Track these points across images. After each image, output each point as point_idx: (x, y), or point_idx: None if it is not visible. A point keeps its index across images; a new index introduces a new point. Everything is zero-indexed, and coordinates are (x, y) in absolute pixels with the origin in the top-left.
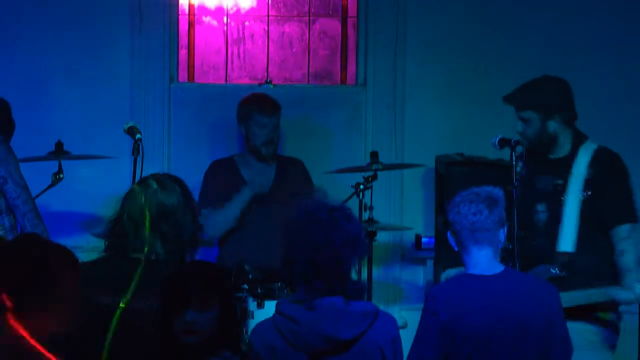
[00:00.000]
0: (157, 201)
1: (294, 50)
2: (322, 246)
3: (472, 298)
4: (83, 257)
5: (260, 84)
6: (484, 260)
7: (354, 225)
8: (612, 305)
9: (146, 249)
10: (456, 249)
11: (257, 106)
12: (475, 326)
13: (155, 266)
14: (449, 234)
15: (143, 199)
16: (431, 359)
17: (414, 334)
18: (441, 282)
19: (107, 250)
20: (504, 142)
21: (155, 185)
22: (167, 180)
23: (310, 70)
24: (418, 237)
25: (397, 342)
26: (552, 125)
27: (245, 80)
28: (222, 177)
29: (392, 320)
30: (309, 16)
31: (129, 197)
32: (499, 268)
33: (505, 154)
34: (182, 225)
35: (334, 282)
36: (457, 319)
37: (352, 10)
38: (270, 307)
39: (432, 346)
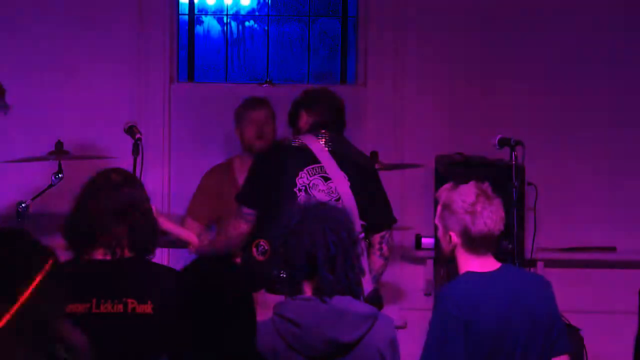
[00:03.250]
0: (121, 192)
1: (294, 50)
2: (324, 235)
3: (485, 294)
4: None
5: (260, 84)
6: (485, 261)
7: (344, 216)
8: None
9: (114, 246)
10: (446, 248)
11: (244, 104)
12: (491, 322)
13: (123, 266)
14: (439, 234)
15: (106, 191)
16: None
17: (413, 333)
18: (446, 286)
19: (73, 250)
20: (503, 142)
21: (117, 177)
22: (128, 174)
23: (310, 70)
24: (418, 237)
25: (395, 344)
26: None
27: (245, 80)
28: (217, 182)
29: (390, 321)
30: (309, 16)
31: (90, 190)
32: (495, 264)
33: (505, 153)
34: (147, 219)
35: (342, 275)
36: (474, 317)
37: (352, 10)
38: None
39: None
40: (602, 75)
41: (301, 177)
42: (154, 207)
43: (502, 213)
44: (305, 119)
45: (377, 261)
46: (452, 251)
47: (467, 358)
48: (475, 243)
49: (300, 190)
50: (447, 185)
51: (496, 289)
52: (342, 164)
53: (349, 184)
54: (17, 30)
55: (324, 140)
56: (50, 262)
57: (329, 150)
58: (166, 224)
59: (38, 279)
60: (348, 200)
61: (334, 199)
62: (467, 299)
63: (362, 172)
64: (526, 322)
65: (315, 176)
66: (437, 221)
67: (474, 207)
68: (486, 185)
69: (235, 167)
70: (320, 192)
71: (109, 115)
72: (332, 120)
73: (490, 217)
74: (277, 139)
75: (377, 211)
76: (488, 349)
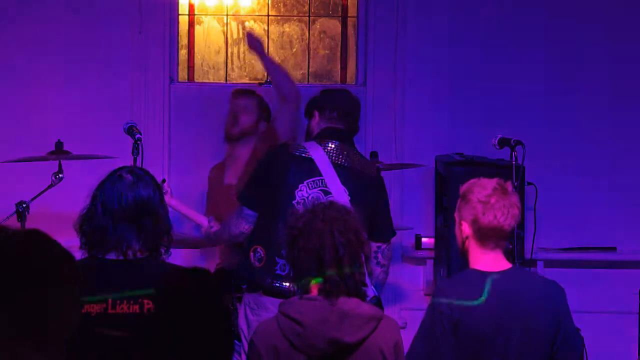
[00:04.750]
0: (134, 193)
1: (294, 50)
2: (332, 237)
3: (479, 295)
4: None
5: (260, 84)
6: (494, 257)
7: (352, 217)
8: None
9: (124, 246)
10: (459, 240)
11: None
12: (482, 323)
13: (137, 266)
14: (455, 227)
15: (119, 191)
16: None
17: (413, 334)
18: (445, 280)
19: (85, 249)
20: (503, 142)
21: (130, 177)
22: (142, 172)
23: (310, 70)
24: (418, 237)
25: (399, 346)
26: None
27: (245, 80)
28: (213, 182)
29: (395, 324)
30: (309, 16)
31: (102, 189)
32: (506, 265)
33: (505, 153)
34: (159, 219)
35: (349, 276)
36: (465, 316)
37: (352, 10)
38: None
39: (447, 354)
40: (602, 75)
41: (301, 190)
42: (168, 189)
43: (516, 211)
44: (317, 120)
45: (375, 269)
46: (464, 244)
47: (454, 356)
48: (484, 235)
49: (298, 203)
50: (472, 180)
51: (491, 291)
52: (345, 178)
53: (348, 198)
54: (16, 30)
55: (329, 150)
56: (69, 262)
57: (332, 162)
58: (178, 206)
59: (57, 280)
60: None
61: None
62: (459, 298)
63: (365, 185)
64: (518, 328)
65: (315, 189)
66: (455, 213)
67: (489, 198)
68: (508, 183)
69: (225, 162)
70: None
71: (109, 115)
72: (343, 128)
73: (501, 211)
74: (283, 142)
75: (375, 225)
76: (476, 349)
